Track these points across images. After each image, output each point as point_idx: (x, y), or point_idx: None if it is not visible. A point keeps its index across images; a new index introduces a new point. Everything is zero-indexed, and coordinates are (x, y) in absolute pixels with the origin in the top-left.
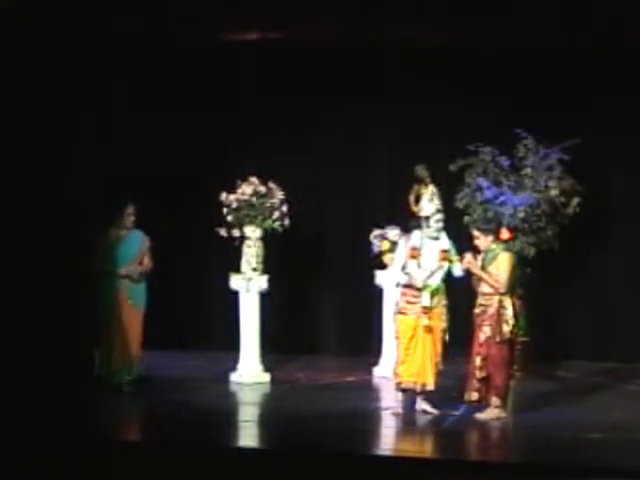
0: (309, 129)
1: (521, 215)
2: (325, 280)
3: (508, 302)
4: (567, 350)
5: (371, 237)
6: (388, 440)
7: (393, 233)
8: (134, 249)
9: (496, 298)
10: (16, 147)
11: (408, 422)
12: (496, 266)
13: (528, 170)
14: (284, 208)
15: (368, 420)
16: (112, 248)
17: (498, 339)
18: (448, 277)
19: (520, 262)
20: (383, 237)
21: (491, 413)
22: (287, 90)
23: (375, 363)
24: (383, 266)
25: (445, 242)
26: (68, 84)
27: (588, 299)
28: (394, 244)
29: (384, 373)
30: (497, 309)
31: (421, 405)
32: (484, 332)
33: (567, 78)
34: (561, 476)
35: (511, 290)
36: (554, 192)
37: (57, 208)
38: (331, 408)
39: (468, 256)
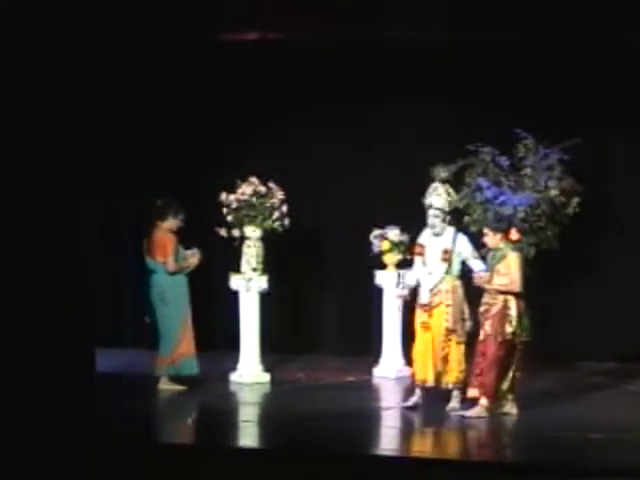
0: (309, 129)
1: (521, 215)
2: (325, 280)
3: (513, 302)
4: (567, 350)
5: (371, 237)
6: (388, 440)
7: (393, 233)
8: (181, 248)
9: (501, 298)
10: (15, 147)
11: (408, 421)
12: (506, 265)
13: (528, 170)
14: (284, 208)
15: (368, 420)
16: (176, 248)
17: (500, 339)
18: (469, 274)
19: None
20: (383, 237)
21: (475, 411)
22: (287, 90)
23: (375, 363)
24: (383, 266)
25: (448, 240)
26: (67, 84)
27: (588, 299)
28: (394, 244)
29: (384, 373)
30: (501, 308)
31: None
32: (484, 330)
33: (567, 78)
34: (561, 476)
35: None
36: (554, 192)
37: (55, 209)
38: (331, 408)
39: (481, 276)
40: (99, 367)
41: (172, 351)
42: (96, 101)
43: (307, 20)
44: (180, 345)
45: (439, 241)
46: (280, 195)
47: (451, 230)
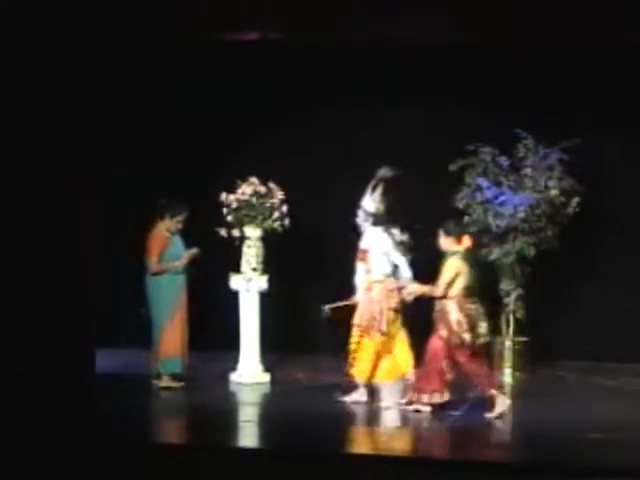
0: (309, 129)
1: (521, 215)
2: (325, 280)
3: (452, 307)
4: (567, 350)
5: None
6: (388, 440)
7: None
8: (181, 249)
9: (443, 302)
10: (15, 147)
11: (408, 421)
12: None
13: (528, 170)
14: (284, 208)
15: (368, 420)
16: (162, 249)
17: (452, 342)
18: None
19: (520, 262)
20: None
21: (497, 408)
22: (287, 90)
23: None
24: None
25: (367, 240)
26: (67, 84)
27: (588, 299)
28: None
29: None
30: (444, 312)
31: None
32: (440, 335)
33: (567, 78)
34: (561, 476)
35: (466, 295)
36: (554, 192)
37: (55, 209)
38: (331, 408)
39: (409, 287)
40: (98, 367)
41: (155, 349)
42: (96, 101)
43: (307, 20)
44: (162, 345)
45: (362, 241)
46: (280, 195)
47: (372, 230)
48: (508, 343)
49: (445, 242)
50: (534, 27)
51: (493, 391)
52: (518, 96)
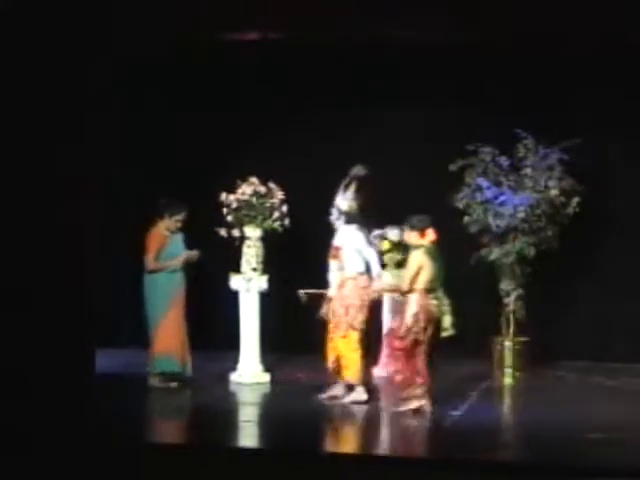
0: (309, 129)
1: (521, 215)
2: (325, 280)
3: (413, 300)
4: (567, 350)
5: (371, 237)
6: (388, 440)
7: (393, 233)
8: (181, 248)
9: (408, 295)
10: (15, 147)
11: (407, 422)
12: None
13: (528, 170)
14: (284, 208)
15: (367, 420)
16: (159, 247)
17: (401, 333)
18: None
19: (520, 262)
20: (383, 237)
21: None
22: (287, 90)
23: (375, 363)
24: (383, 266)
25: (339, 238)
26: (67, 84)
27: (588, 299)
28: (394, 244)
29: (384, 373)
30: (405, 305)
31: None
32: (395, 329)
33: (567, 78)
34: (561, 476)
35: (427, 289)
36: (554, 192)
37: (55, 209)
38: (331, 408)
39: (376, 285)
40: (98, 367)
41: (152, 348)
42: (96, 101)
43: (307, 20)
44: (158, 342)
45: (335, 238)
46: (280, 195)
47: (344, 228)
48: (508, 343)
49: (410, 236)
50: (534, 27)
51: (419, 391)
52: (518, 96)
